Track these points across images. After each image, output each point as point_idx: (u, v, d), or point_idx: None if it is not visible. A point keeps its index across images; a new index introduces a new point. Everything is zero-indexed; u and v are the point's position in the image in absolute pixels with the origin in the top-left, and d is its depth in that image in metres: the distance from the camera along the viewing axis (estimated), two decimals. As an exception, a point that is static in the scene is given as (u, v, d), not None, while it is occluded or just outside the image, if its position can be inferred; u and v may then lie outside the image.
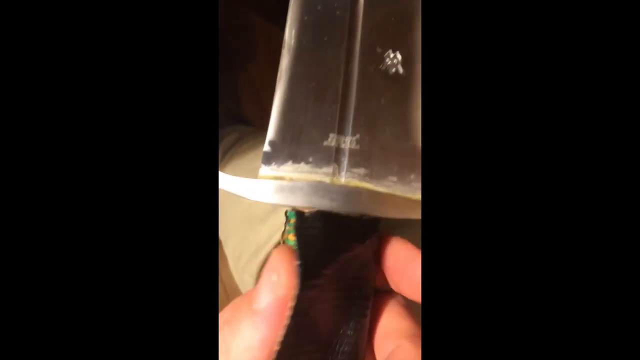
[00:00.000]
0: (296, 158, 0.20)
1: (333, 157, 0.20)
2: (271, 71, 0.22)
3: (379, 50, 0.21)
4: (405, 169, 0.20)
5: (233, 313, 0.18)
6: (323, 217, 0.19)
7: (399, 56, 0.21)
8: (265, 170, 0.20)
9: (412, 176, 0.19)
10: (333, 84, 0.20)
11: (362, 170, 0.20)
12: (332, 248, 0.19)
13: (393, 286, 0.20)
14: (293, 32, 0.21)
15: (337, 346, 0.19)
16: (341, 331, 0.19)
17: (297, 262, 0.18)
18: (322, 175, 0.19)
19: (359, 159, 0.20)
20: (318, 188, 0.19)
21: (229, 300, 0.19)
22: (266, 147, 0.20)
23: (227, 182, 0.20)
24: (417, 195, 0.19)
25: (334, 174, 0.20)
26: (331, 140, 0.20)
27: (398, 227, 0.31)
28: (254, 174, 0.20)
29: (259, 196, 0.19)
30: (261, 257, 0.36)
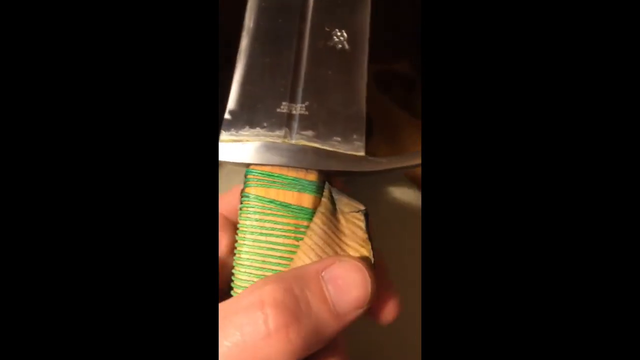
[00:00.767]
0: (252, 124, 0.22)
1: (285, 122, 0.22)
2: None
3: (327, 29, 0.24)
4: (348, 131, 0.22)
5: None
6: None
7: (345, 34, 0.24)
8: (225, 135, 0.22)
9: (355, 136, 0.22)
10: (286, 59, 0.23)
11: (310, 132, 0.22)
12: None
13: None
14: (252, 16, 0.24)
15: None
16: None
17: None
18: (275, 137, 0.22)
19: (307, 122, 0.22)
20: (271, 147, 0.22)
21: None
22: (226, 115, 0.23)
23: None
24: (360, 152, 0.22)
25: (285, 136, 0.22)
26: (283, 107, 0.22)
27: (396, 223, 0.33)
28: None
29: (220, 157, 0.22)
30: None
